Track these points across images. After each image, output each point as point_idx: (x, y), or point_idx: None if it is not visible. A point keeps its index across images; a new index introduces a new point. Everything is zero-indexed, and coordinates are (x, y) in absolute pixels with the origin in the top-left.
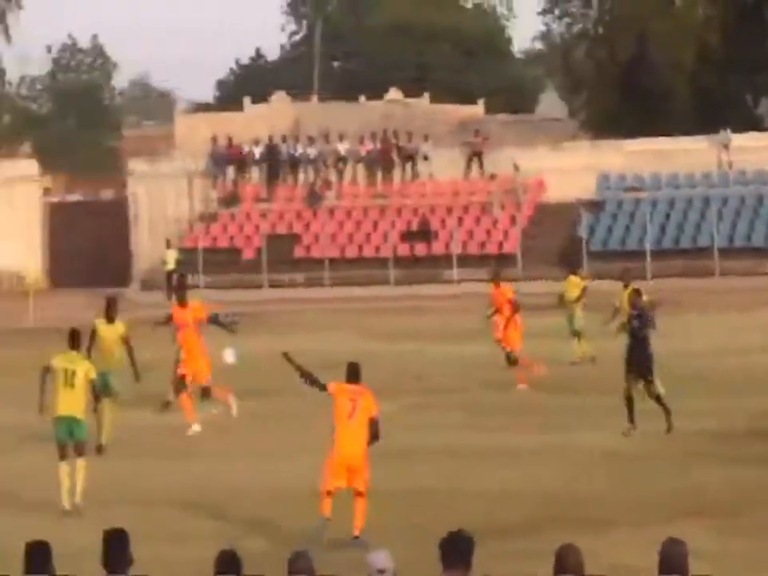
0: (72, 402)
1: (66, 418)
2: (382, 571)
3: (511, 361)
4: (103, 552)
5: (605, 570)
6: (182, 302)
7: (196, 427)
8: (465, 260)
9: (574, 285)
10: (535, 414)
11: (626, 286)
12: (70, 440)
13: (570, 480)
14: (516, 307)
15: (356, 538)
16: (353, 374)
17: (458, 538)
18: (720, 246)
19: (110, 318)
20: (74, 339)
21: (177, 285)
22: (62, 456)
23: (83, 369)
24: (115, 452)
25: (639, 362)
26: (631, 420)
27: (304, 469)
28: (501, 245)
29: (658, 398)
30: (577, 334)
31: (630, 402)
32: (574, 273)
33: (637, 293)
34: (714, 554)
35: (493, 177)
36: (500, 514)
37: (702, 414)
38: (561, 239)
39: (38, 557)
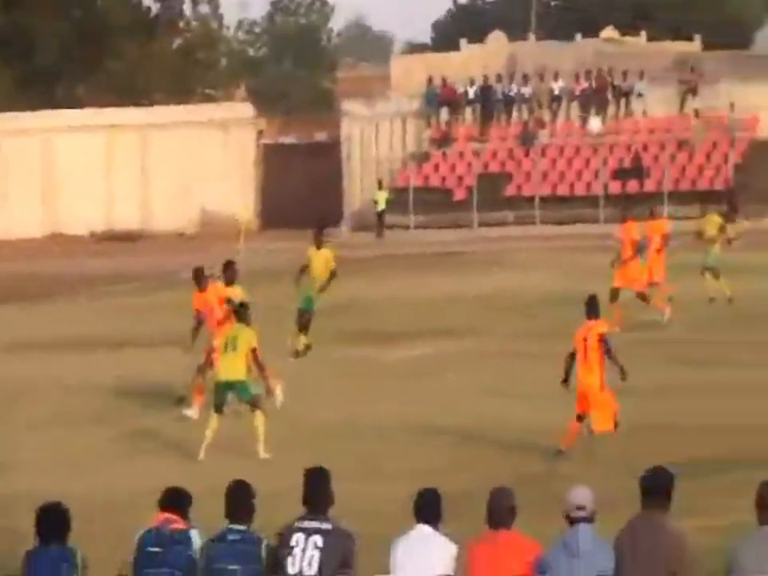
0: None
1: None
2: (581, 507)
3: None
4: (305, 490)
5: None
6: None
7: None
8: (676, 197)
9: (712, 223)
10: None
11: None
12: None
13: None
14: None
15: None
16: (590, 307)
17: (658, 473)
18: None
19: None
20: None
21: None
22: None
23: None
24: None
25: None
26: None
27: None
28: (712, 182)
29: None
30: (713, 272)
31: None
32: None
33: None
34: None
35: (696, 113)
36: (702, 449)
37: None
38: None
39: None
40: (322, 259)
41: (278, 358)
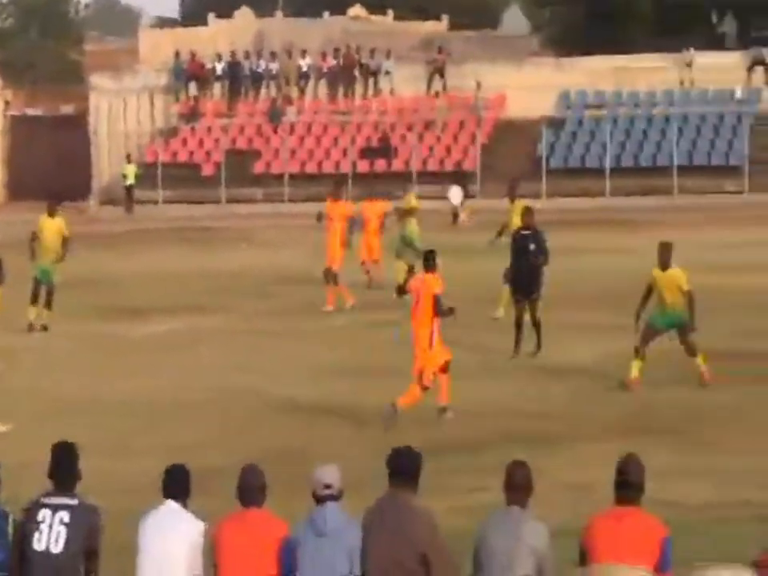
0: None
1: None
2: (328, 486)
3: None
4: (51, 465)
5: (557, 486)
6: None
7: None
8: (424, 177)
9: (408, 201)
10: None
11: (512, 201)
12: None
13: (524, 396)
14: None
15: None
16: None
17: (405, 454)
18: (679, 164)
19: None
20: None
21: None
22: None
23: None
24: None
25: (527, 283)
26: (517, 346)
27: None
28: (460, 162)
29: (537, 322)
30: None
31: (519, 326)
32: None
33: (529, 211)
34: (674, 470)
35: (437, 94)
36: (453, 431)
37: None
38: (521, 156)
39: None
40: (54, 228)
41: (18, 332)
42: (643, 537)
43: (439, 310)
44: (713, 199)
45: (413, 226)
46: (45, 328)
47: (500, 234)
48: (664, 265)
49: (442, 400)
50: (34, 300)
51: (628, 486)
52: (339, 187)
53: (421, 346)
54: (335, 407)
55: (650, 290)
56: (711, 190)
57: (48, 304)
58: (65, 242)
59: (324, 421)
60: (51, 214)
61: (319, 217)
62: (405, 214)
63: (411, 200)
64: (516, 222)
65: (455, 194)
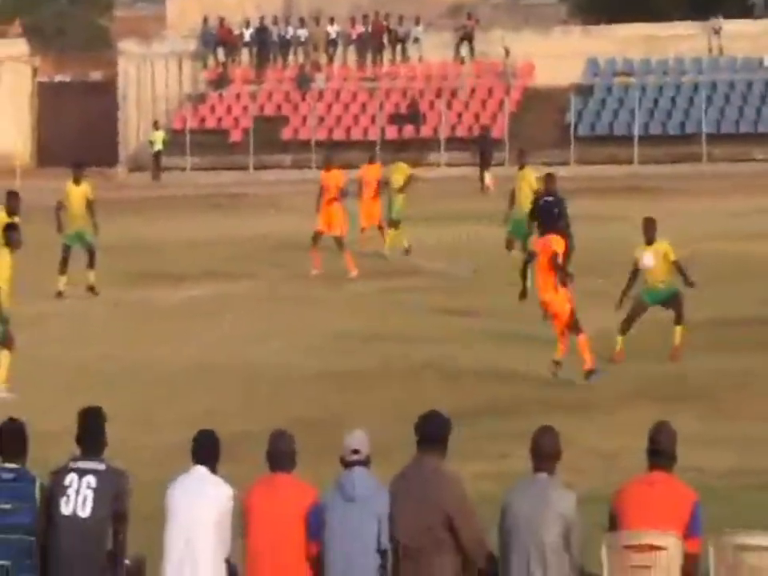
0: None
1: None
2: (356, 451)
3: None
4: (79, 430)
5: (586, 453)
6: None
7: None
8: (452, 143)
9: (400, 171)
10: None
11: (521, 168)
12: None
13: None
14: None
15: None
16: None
17: (433, 418)
18: (708, 131)
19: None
20: None
21: None
22: None
23: None
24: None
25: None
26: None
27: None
28: (490, 128)
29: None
30: (394, 224)
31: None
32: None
33: (551, 177)
34: (701, 437)
35: (462, 60)
36: (480, 395)
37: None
38: (549, 124)
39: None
40: (81, 194)
41: (47, 299)
42: (674, 502)
43: (556, 266)
44: (741, 167)
45: (401, 200)
46: (93, 290)
47: (511, 203)
48: (650, 240)
49: (587, 364)
50: (63, 268)
51: (660, 453)
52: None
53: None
54: (361, 373)
55: (636, 268)
56: (740, 158)
57: (91, 265)
58: (89, 205)
59: (351, 387)
60: (77, 180)
61: (319, 195)
62: (404, 186)
63: (405, 171)
64: (524, 189)
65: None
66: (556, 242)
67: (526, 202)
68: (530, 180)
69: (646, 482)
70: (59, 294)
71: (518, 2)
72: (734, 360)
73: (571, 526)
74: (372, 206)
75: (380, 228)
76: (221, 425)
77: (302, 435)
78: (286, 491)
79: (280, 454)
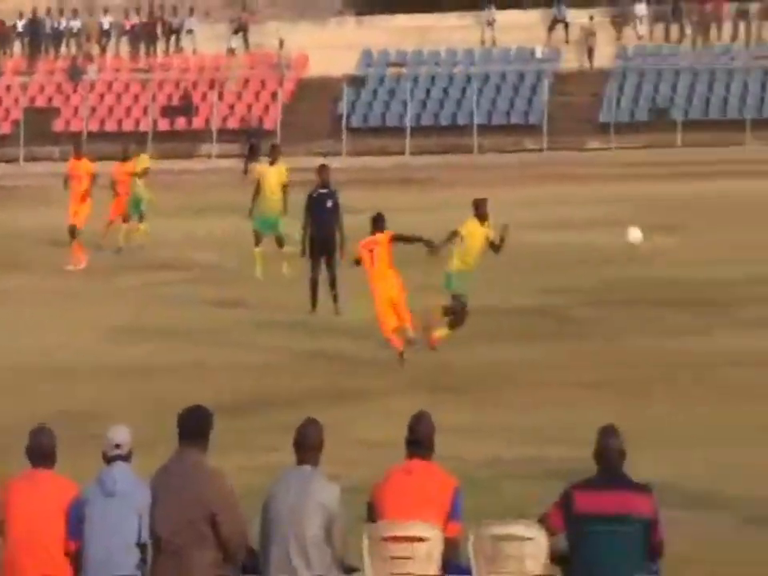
0: None
1: None
2: (118, 446)
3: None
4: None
5: (354, 443)
6: None
7: None
8: (224, 135)
9: (141, 162)
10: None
11: (272, 163)
12: None
13: (324, 354)
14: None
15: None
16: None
17: (195, 412)
18: (479, 122)
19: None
20: None
21: None
22: None
23: None
24: None
25: (326, 241)
26: (314, 304)
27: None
28: (261, 119)
29: (333, 282)
30: (140, 218)
31: (314, 285)
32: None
33: (324, 168)
34: (468, 427)
35: (232, 52)
36: (251, 387)
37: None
38: (322, 115)
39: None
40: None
41: None
42: (433, 489)
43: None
44: (512, 158)
45: (142, 190)
46: None
47: (255, 198)
48: (483, 217)
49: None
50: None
51: (417, 443)
52: (80, 146)
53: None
54: (127, 367)
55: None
56: (511, 149)
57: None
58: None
59: (116, 381)
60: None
61: (65, 182)
62: (141, 174)
63: (145, 161)
64: (272, 183)
65: None
66: (380, 237)
67: (272, 197)
68: (280, 174)
69: (404, 471)
70: None
71: None
72: (506, 350)
73: (333, 518)
74: (120, 201)
75: (124, 221)
76: None
77: (64, 429)
78: (45, 486)
79: (40, 449)
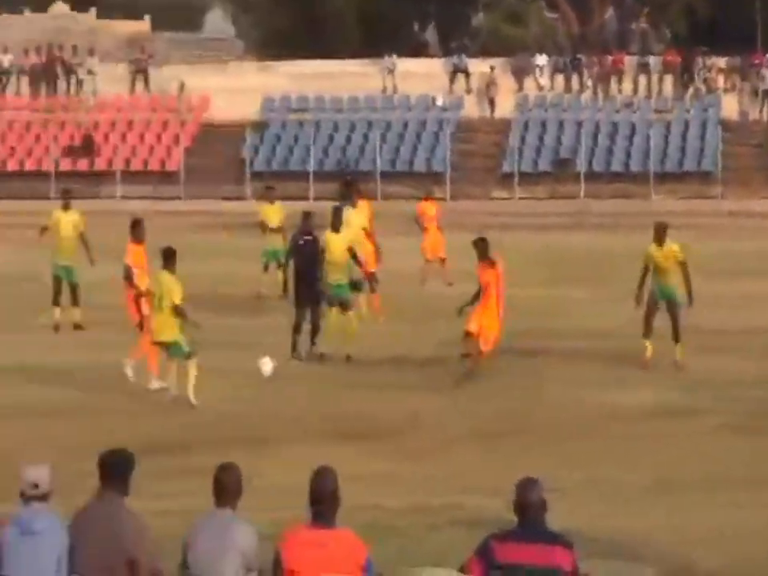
0: None
1: None
2: (36, 485)
3: None
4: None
5: (266, 487)
6: None
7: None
8: (128, 177)
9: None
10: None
11: (65, 209)
12: None
13: (237, 398)
14: None
15: None
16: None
17: (114, 455)
18: (383, 169)
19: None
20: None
21: None
22: None
23: None
24: None
25: (311, 288)
26: (294, 347)
27: None
28: (164, 162)
29: (315, 331)
30: None
31: (296, 331)
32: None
33: (309, 215)
34: (385, 475)
35: (132, 92)
36: (168, 431)
37: (378, 340)
38: (225, 159)
39: None
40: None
41: None
42: (347, 562)
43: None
44: (414, 206)
45: None
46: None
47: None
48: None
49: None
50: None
51: (320, 503)
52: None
53: None
54: (45, 407)
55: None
56: (413, 196)
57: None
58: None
59: (33, 420)
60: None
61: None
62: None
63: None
64: (70, 230)
65: None
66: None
67: (68, 245)
68: (75, 222)
69: (317, 543)
70: None
71: (193, 36)
72: (415, 398)
73: (251, 563)
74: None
75: None
76: None
77: None
78: None
79: None
